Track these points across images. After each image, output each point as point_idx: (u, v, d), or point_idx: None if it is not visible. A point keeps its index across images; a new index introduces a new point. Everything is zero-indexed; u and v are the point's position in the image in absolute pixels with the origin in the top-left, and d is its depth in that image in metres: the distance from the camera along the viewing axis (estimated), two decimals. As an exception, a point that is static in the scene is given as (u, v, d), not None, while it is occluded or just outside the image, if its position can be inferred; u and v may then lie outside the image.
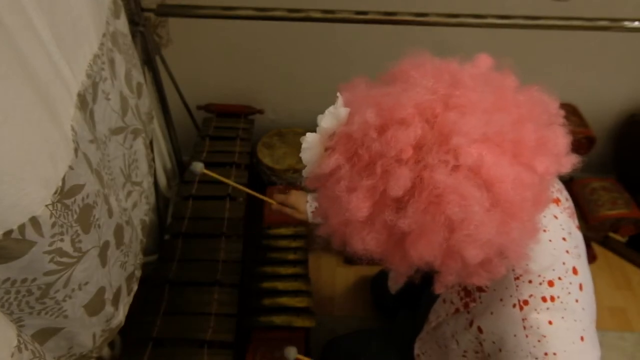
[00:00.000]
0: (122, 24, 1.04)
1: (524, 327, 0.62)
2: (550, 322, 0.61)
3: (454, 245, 0.52)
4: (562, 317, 0.61)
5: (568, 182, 1.70)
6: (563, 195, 0.74)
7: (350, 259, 1.68)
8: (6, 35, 0.53)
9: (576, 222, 0.73)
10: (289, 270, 1.28)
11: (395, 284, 0.66)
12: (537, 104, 0.58)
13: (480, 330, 0.69)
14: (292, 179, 1.62)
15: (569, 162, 0.58)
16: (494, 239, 0.51)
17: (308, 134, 0.61)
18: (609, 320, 1.55)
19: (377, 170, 0.52)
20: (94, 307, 0.74)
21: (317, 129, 0.60)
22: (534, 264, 0.63)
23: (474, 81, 0.57)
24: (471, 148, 0.50)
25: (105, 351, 1.05)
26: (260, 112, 1.70)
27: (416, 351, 0.96)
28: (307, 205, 1.05)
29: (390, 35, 1.43)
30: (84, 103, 0.76)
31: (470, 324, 0.72)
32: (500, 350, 0.65)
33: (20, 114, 0.53)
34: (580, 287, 0.64)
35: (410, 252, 0.53)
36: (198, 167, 1.10)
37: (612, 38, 1.45)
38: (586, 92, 1.63)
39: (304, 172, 0.64)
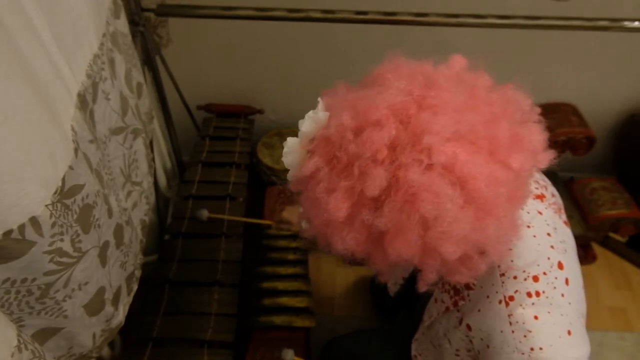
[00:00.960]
0: (122, 24, 1.04)
1: (510, 323, 0.62)
2: (536, 317, 0.61)
3: (430, 243, 0.52)
4: (549, 312, 0.62)
5: (568, 182, 1.70)
6: (548, 191, 0.74)
7: (355, 259, 1.68)
8: (6, 35, 0.53)
9: (563, 217, 0.74)
10: (289, 270, 1.28)
11: (382, 282, 0.67)
12: (511, 102, 0.59)
13: (469, 327, 0.70)
14: (292, 179, 1.62)
15: (546, 158, 0.58)
16: (469, 235, 0.52)
17: (289, 139, 0.63)
18: (609, 320, 1.55)
19: (354, 172, 0.53)
20: (93, 307, 0.74)
21: (299, 133, 0.62)
22: (518, 260, 0.64)
23: (448, 82, 0.57)
24: (444, 146, 0.51)
25: (105, 351, 1.05)
26: (260, 112, 1.70)
27: (413, 352, 0.97)
28: (298, 218, 1.08)
29: (390, 35, 1.43)
30: (84, 103, 0.76)
31: (460, 322, 0.73)
32: (488, 346, 0.66)
33: (20, 114, 0.53)
34: (567, 282, 0.65)
35: (388, 250, 0.54)
36: (204, 214, 1.22)
37: (612, 38, 1.45)
38: (586, 92, 1.63)
39: (288, 176, 0.64)
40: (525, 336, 0.61)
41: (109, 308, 0.79)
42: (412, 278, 1.24)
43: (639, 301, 1.61)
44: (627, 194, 1.63)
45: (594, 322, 1.55)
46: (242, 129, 1.63)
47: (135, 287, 0.96)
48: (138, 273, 0.99)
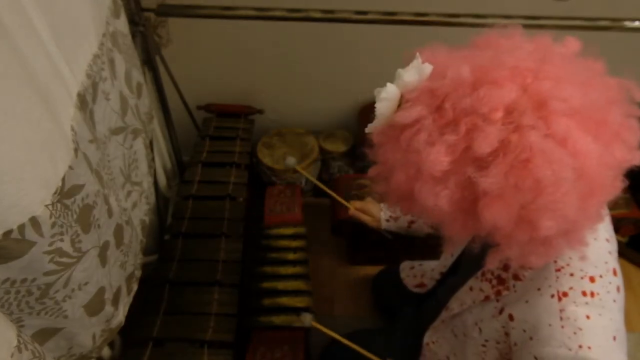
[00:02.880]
0: (122, 24, 1.04)
1: (561, 318, 0.61)
2: (587, 317, 0.60)
3: (530, 213, 0.51)
4: (600, 314, 0.61)
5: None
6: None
7: (355, 259, 1.68)
8: (6, 35, 0.53)
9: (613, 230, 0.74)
10: (289, 270, 1.28)
11: (447, 251, 0.65)
12: (625, 90, 0.58)
13: (511, 317, 0.68)
14: (292, 179, 1.62)
15: (639, 156, 0.57)
16: (572, 214, 0.51)
17: (388, 84, 0.59)
18: (609, 320, 1.55)
19: (461, 128, 0.52)
20: (93, 307, 0.74)
21: (396, 82, 0.59)
22: (577, 258, 0.63)
23: (563, 60, 0.57)
24: (563, 118, 0.50)
25: (105, 351, 1.05)
26: (260, 112, 1.70)
27: (426, 340, 0.95)
28: (381, 213, 1.13)
29: (390, 35, 1.43)
30: (84, 103, 0.76)
31: (500, 312, 0.71)
32: (531, 338, 0.64)
33: (20, 114, 0.53)
34: (618, 289, 0.65)
35: (483, 213, 0.52)
36: (291, 162, 1.25)
37: (612, 38, 1.45)
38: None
39: (370, 126, 0.62)
40: (575, 333, 0.60)
41: (109, 308, 0.79)
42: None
43: (639, 301, 1.61)
44: (627, 194, 1.63)
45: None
46: (242, 129, 1.63)
47: (135, 287, 0.96)
48: (138, 273, 0.99)
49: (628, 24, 1.20)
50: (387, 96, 0.59)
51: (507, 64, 0.54)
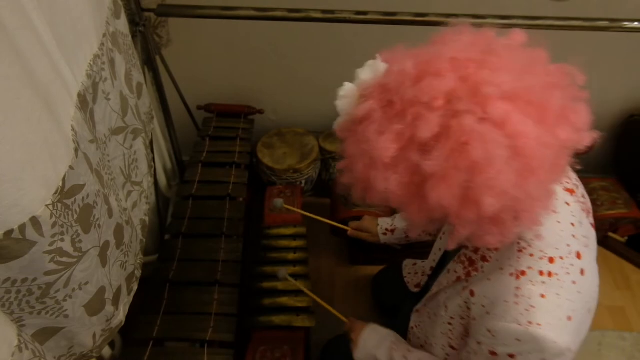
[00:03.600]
0: (122, 24, 1.04)
1: (516, 295, 0.64)
2: (542, 296, 0.63)
3: (472, 191, 0.54)
4: (557, 294, 0.64)
5: (568, 182, 1.70)
6: (579, 191, 0.77)
7: (355, 259, 1.68)
8: (6, 35, 0.53)
9: (590, 220, 0.76)
10: (289, 270, 1.28)
11: (411, 235, 0.68)
12: (566, 75, 0.61)
13: (472, 293, 0.72)
14: (292, 179, 1.62)
15: (590, 138, 0.61)
16: (511, 191, 0.54)
17: (346, 83, 0.66)
18: (609, 320, 1.55)
19: (407, 117, 0.56)
20: (94, 306, 0.74)
21: (355, 81, 0.65)
22: (538, 240, 0.66)
23: (507, 50, 0.60)
24: (500, 103, 0.54)
25: (106, 351, 1.05)
26: (260, 112, 1.70)
27: (411, 324, 0.98)
28: (377, 227, 1.18)
29: (390, 35, 1.43)
30: (84, 103, 0.76)
31: (464, 289, 0.75)
32: (488, 313, 0.68)
33: (20, 114, 0.53)
34: (582, 272, 0.66)
35: (430, 195, 0.56)
36: (279, 203, 1.28)
37: (612, 38, 1.45)
38: (586, 92, 1.63)
39: (336, 123, 0.68)
40: (527, 310, 0.62)
41: (109, 308, 0.79)
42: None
43: (638, 301, 1.61)
44: (626, 194, 1.63)
45: (593, 322, 1.54)
46: (242, 129, 1.63)
47: (135, 287, 0.96)
48: (138, 273, 1.00)
49: (628, 24, 1.20)
50: (344, 94, 0.65)
51: (445, 56, 0.58)
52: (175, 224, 1.33)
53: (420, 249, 1.36)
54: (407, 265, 1.32)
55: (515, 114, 0.53)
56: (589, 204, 0.78)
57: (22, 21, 0.57)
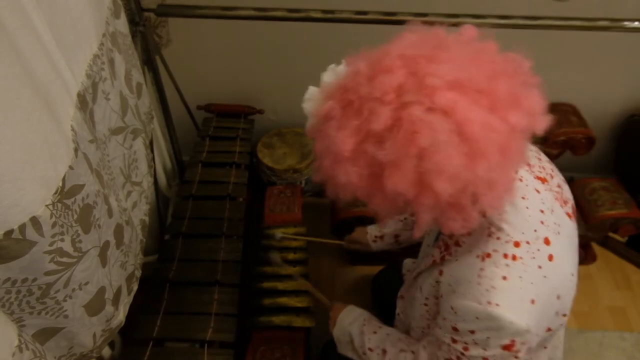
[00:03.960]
0: (122, 24, 1.04)
1: (479, 276, 0.67)
2: (504, 278, 0.65)
3: (425, 176, 0.57)
4: (520, 277, 0.65)
5: (568, 182, 1.70)
6: (554, 180, 0.78)
7: (355, 259, 1.68)
8: (6, 36, 0.53)
9: (567, 209, 0.77)
10: (289, 270, 1.28)
11: (381, 227, 0.71)
12: (512, 63, 0.64)
13: (440, 272, 0.76)
14: (292, 179, 1.62)
15: (544, 122, 0.63)
16: (461, 174, 0.57)
17: (311, 87, 0.70)
18: (609, 320, 1.56)
19: (363, 113, 0.60)
20: (94, 307, 0.74)
21: (320, 84, 0.70)
22: (506, 225, 0.68)
23: (457, 44, 0.64)
24: (446, 93, 0.57)
25: (106, 351, 1.05)
26: (260, 112, 1.70)
27: (397, 310, 1.01)
28: (367, 235, 1.21)
29: (390, 35, 1.43)
30: (84, 103, 0.76)
31: (436, 270, 0.78)
32: (453, 292, 0.71)
33: (20, 114, 0.53)
34: (550, 258, 0.68)
35: (386, 184, 0.59)
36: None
37: (612, 38, 1.45)
38: (586, 92, 1.63)
39: (307, 125, 0.72)
40: (487, 290, 0.65)
41: (109, 308, 0.79)
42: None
43: (638, 301, 1.61)
44: (627, 194, 1.63)
45: (594, 322, 1.55)
46: (242, 129, 1.63)
47: (135, 287, 0.96)
48: (138, 273, 1.00)
49: (628, 24, 1.20)
50: (309, 97, 0.70)
51: (393, 53, 0.62)
52: (175, 224, 1.33)
53: (420, 248, 1.36)
54: (407, 264, 1.32)
55: (462, 102, 0.57)
56: (567, 195, 0.79)
57: (22, 21, 0.57)
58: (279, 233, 1.34)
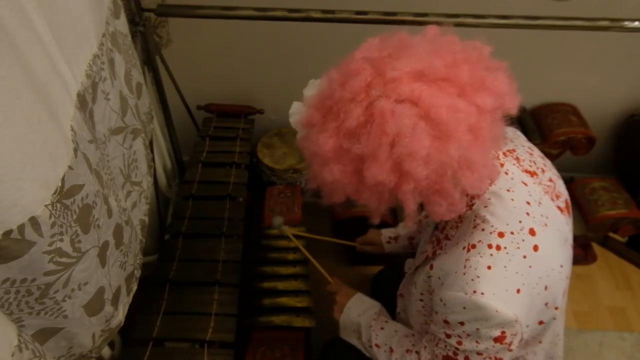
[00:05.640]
0: (122, 24, 1.04)
1: (465, 266, 0.68)
2: (489, 267, 0.67)
3: (399, 163, 0.61)
4: (505, 267, 0.67)
5: (568, 182, 1.70)
6: (545, 175, 0.79)
7: (355, 259, 1.68)
8: (6, 36, 0.53)
9: (558, 203, 0.77)
10: (289, 270, 1.28)
11: (374, 223, 0.75)
12: (472, 50, 0.67)
13: (431, 267, 0.78)
14: (292, 179, 1.62)
15: (514, 102, 0.66)
16: (433, 155, 0.60)
17: (294, 103, 0.76)
18: (609, 320, 1.56)
19: (340, 116, 0.64)
20: (93, 307, 0.74)
21: (303, 98, 0.74)
22: (490, 216, 0.70)
23: (420, 42, 0.67)
24: (411, 84, 0.61)
25: (105, 351, 1.05)
26: (260, 112, 1.70)
27: (397, 309, 1.01)
28: (381, 237, 1.24)
29: (390, 35, 1.43)
30: (84, 103, 0.76)
31: (428, 265, 0.80)
32: (442, 284, 0.73)
33: (20, 114, 0.53)
34: (535, 248, 0.69)
35: (366, 175, 0.62)
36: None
37: (612, 38, 1.45)
38: (586, 92, 1.63)
39: (297, 136, 0.75)
40: (472, 280, 0.67)
41: (108, 308, 0.79)
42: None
43: (638, 301, 1.61)
44: (627, 194, 1.63)
45: (594, 322, 1.55)
46: (242, 129, 1.63)
47: (134, 287, 0.96)
48: (138, 273, 0.99)
49: (628, 24, 1.20)
50: (293, 111, 0.75)
51: (357, 56, 0.68)
52: (175, 224, 1.33)
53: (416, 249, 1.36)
54: (408, 263, 1.32)
55: (427, 90, 0.60)
56: (560, 189, 0.80)
57: (22, 21, 0.57)
58: (287, 230, 1.31)
